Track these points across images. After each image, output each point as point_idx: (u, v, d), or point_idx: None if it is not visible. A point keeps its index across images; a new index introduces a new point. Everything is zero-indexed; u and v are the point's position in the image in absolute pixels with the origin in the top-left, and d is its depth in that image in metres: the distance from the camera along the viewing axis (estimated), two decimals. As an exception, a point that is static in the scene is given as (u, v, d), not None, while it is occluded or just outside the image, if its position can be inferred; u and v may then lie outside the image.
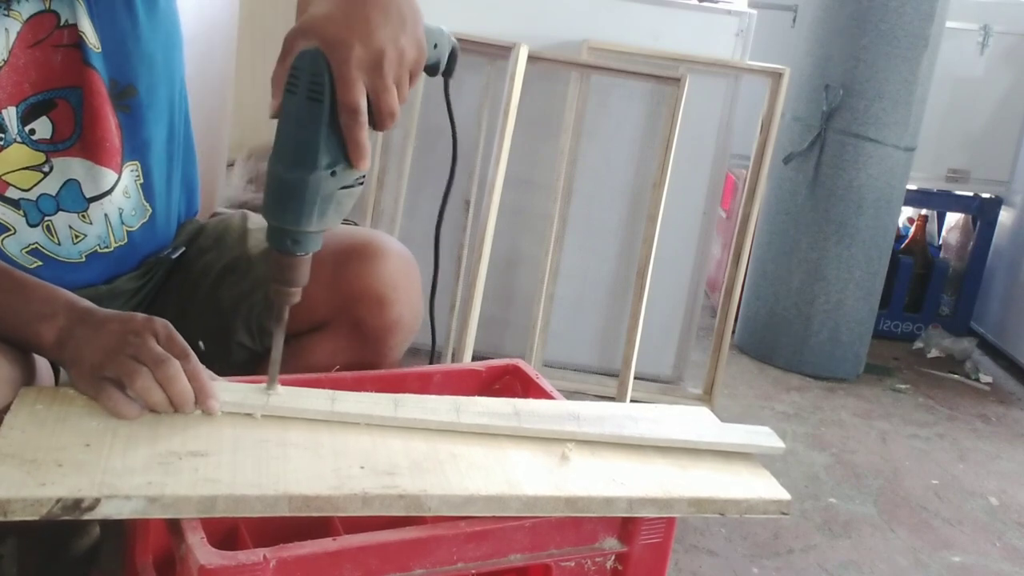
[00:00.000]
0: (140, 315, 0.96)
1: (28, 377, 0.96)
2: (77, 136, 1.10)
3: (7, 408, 0.90)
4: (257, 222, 1.29)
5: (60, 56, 1.06)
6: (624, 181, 2.23)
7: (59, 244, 1.12)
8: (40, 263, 1.11)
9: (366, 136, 0.88)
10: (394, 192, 2.16)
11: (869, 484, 2.01)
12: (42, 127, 1.07)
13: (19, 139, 1.06)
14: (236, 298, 1.21)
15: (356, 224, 1.29)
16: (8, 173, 1.06)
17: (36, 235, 1.10)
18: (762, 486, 0.99)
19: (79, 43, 1.07)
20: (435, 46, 1.03)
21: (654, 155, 2.15)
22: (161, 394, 0.91)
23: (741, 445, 1.05)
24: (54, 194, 1.10)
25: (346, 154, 0.89)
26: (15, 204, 1.08)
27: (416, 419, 0.99)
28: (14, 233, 1.09)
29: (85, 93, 1.08)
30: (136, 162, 1.15)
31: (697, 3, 2.22)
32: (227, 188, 2.33)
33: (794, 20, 2.72)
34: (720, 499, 0.95)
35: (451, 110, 1.17)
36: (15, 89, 1.05)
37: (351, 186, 0.92)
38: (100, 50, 1.08)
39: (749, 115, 2.25)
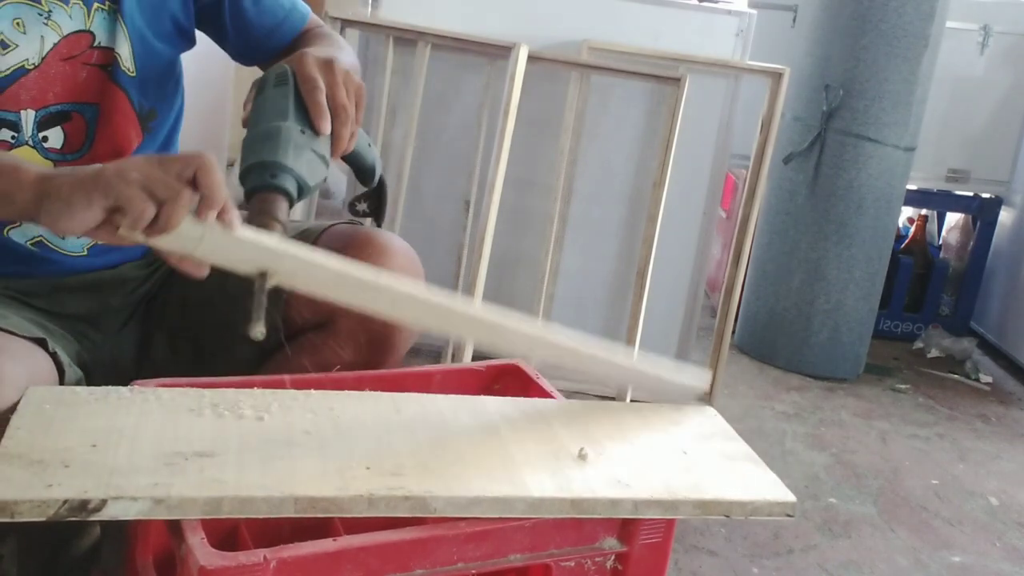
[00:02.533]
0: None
1: (31, 377, 0.96)
2: (87, 149, 1.13)
3: (12, 408, 0.90)
4: None
5: (85, 73, 1.11)
6: (624, 181, 2.24)
7: (63, 238, 1.13)
8: (45, 253, 1.14)
9: (324, 100, 0.99)
10: (394, 192, 2.16)
11: (869, 484, 2.01)
12: (55, 136, 1.11)
13: (31, 143, 1.09)
14: (242, 291, 1.22)
15: (360, 224, 1.30)
16: None
17: (40, 228, 1.11)
18: (767, 488, 0.99)
19: (110, 64, 1.12)
20: (368, 145, 1.14)
21: (654, 155, 2.15)
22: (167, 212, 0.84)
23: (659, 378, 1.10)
24: None
25: (311, 122, 0.98)
26: None
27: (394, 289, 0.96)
28: (19, 225, 1.11)
29: (103, 110, 1.12)
30: None
31: (697, 3, 2.22)
32: (227, 188, 2.33)
33: (794, 20, 2.72)
34: (725, 501, 0.95)
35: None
36: (39, 94, 1.08)
37: (319, 155, 0.98)
38: (135, 75, 1.14)
39: (749, 115, 2.25)
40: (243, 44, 1.24)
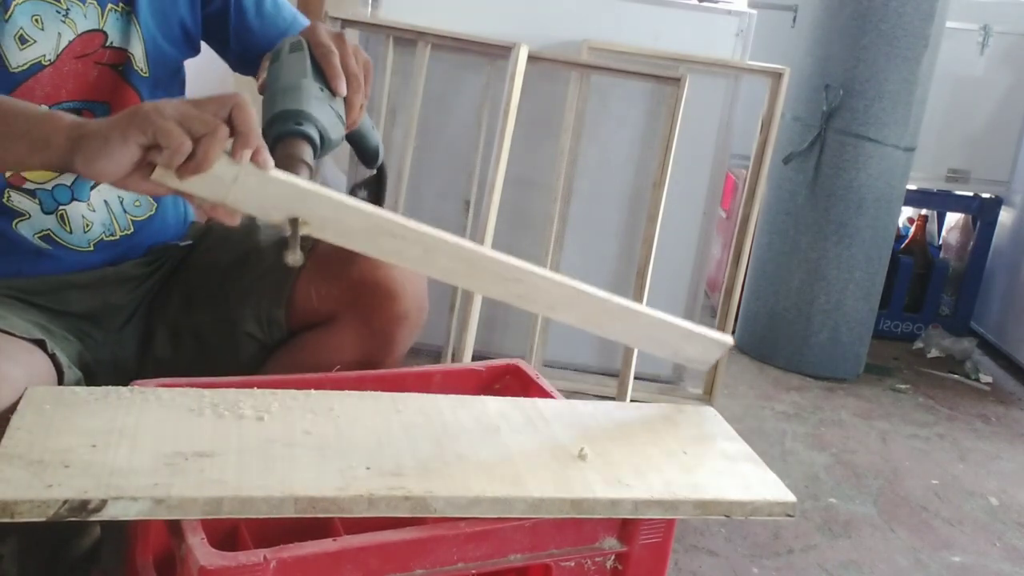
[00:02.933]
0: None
1: (30, 378, 0.96)
2: None
3: (10, 409, 0.90)
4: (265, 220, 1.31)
5: (97, 72, 1.12)
6: (624, 181, 2.24)
7: (71, 232, 1.15)
8: (51, 248, 1.14)
9: (338, 63, 1.01)
10: (394, 192, 2.16)
11: (869, 484, 2.01)
12: None
13: None
14: (246, 288, 1.24)
15: None
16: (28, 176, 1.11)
17: (49, 222, 1.13)
18: (767, 488, 0.99)
19: (123, 64, 1.14)
20: (372, 127, 1.16)
21: (654, 155, 2.15)
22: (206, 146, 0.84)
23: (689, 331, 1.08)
24: (69, 184, 1.14)
25: (327, 84, 1.00)
26: (31, 193, 1.12)
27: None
28: (28, 218, 1.13)
29: (115, 109, 1.13)
30: None
31: (697, 3, 2.22)
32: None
33: (794, 20, 2.72)
34: (725, 501, 0.95)
35: None
36: (53, 91, 1.10)
37: (337, 113, 1.00)
38: (147, 76, 1.16)
39: (749, 115, 2.25)
40: (244, 53, 1.25)
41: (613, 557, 0.97)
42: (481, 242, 1.99)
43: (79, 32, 1.10)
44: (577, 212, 2.22)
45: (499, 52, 2.07)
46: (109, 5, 1.12)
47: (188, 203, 1.31)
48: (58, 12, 1.08)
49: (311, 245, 1.24)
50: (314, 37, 1.03)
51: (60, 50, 1.09)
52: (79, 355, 1.14)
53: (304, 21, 1.28)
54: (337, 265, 1.20)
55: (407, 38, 2.09)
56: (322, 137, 0.96)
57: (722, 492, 0.96)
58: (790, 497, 0.98)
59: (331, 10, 2.12)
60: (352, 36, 2.14)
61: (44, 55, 1.08)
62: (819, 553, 1.72)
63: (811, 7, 2.53)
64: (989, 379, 2.71)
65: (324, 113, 0.97)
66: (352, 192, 1.22)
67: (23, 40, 1.06)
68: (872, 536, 1.80)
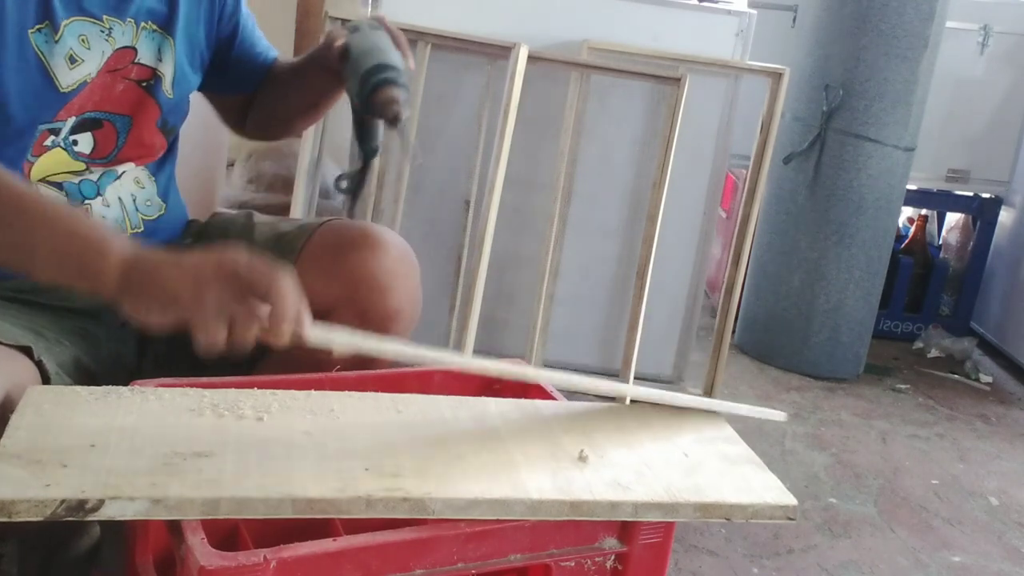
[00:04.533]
0: (224, 256, 0.93)
1: (12, 386, 0.95)
2: (114, 156, 1.17)
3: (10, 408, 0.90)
4: (262, 219, 1.32)
5: (122, 86, 1.15)
6: (624, 181, 2.23)
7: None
8: None
9: (406, 43, 1.18)
10: (394, 192, 2.16)
11: (869, 484, 2.01)
12: (84, 142, 1.14)
13: (62, 145, 1.13)
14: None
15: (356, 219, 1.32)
16: (53, 175, 1.13)
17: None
18: (768, 491, 0.98)
19: (148, 81, 1.17)
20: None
21: (654, 155, 2.15)
22: (252, 340, 0.90)
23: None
24: (95, 180, 1.17)
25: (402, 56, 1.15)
26: (58, 186, 1.14)
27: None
28: None
29: (136, 123, 1.17)
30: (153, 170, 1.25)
31: (697, 3, 2.22)
32: (227, 188, 2.33)
33: (794, 20, 2.72)
34: (725, 504, 0.95)
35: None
36: (82, 103, 1.12)
37: (405, 86, 1.12)
38: (172, 97, 1.20)
39: (749, 115, 2.25)
40: (228, 75, 1.32)
41: (613, 557, 0.97)
42: (481, 242, 1.99)
43: (115, 48, 1.13)
44: (577, 212, 2.22)
45: (499, 52, 2.07)
46: (143, 23, 1.15)
47: (183, 207, 1.34)
48: (102, 32, 1.11)
49: (303, 242, 1.24)
50: (384, 22, 1.20)
51: (100, 67, 1.12)
52: (76, 360, 1.13)
53: (274, 52, 1.37)
54: (331, 261, 1.21)
55: (407, 38, 2.09)
56: (406, 91, 1.10)
57: (723, 495, 0.96)
58: (791, 500, 0.97)
59: (331, 10, 2.12)
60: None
61: (90, 73, 1.11)
62: (819, 553, 1.72)
63: (811, 7, 2.53)
64: (989, 379, 2.71)
65: (406, 76, 1.12)
66: (336, 180, 1.23)
67: (72, 60, 1.08)
68: (872, 536, 1.80)
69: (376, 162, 1.29)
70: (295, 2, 2.72)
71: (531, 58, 2.04)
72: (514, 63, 2.01)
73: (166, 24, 1.18)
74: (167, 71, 1.19)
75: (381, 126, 1.20)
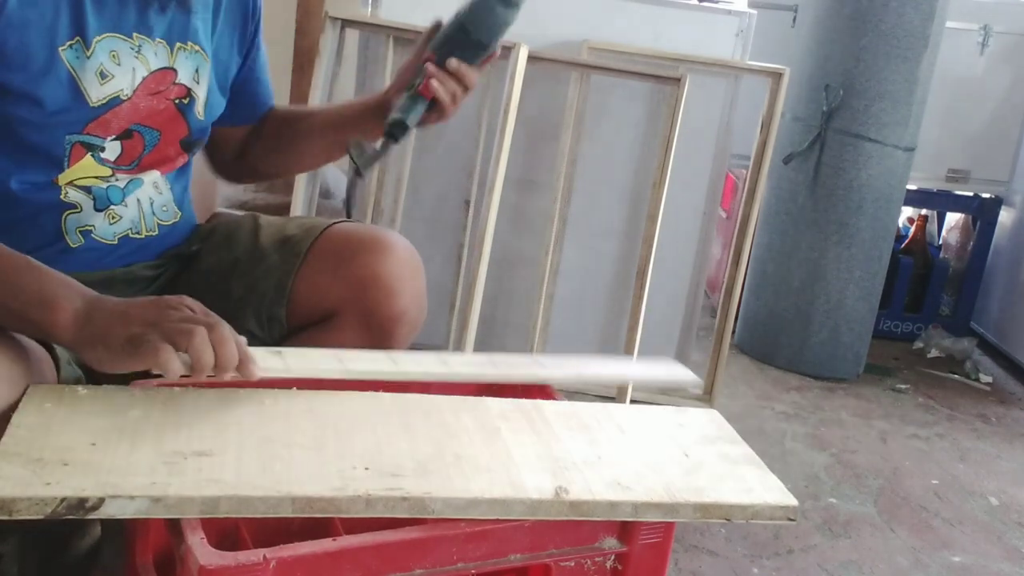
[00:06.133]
0: (163, 296, 0.97)
1: (30, 375, 0.96)
2: (136, 164, 1.18)
3: (11, 407, 0.90)
4: (268, 220, 1.33)
5: (164, 106, 1.17)
6: (624, 181, 2.23)
7: (108, 225, 1.18)
8: (83, 243, 1.17)
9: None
10: (394, 192, 2.16)
11: (869, 484, 2.01)
12: (112, 149, 1.15)
13: (91, 156, 1.14)
14: (247, 287, 1.25)
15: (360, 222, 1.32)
16: (80, 179, 1.14)
17: (97, 219, 1.16)
18: (769, 492, 0.98)
19: (183, 100, 1.19)
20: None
21: (654, 155, 2.15)
22: (211, 354, 0.91)
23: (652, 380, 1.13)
24: (122, 187, 1.18)
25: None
26: (86, 190, 1.15)
27: (410, 372, 1.03)
28: (79, 211, 1.15)
29: (164, 137, 1.19)
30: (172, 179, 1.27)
31: (697, 3, 2.22)
32: (227, 188, 2.33)
33: (794, 20, 2.72)
34: (726, 504, 0.95)
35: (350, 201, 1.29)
36: (123, 124, 1.14)
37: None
38: (203, 119, 1.23)
39: (749, 115, 2.25)
40: (243, 101, 1.33)
41: (613, 557, 0.97)
42: (481, 242, 1.99)
43: (152, 69, 1.14)
44: (577, 212, 2.22)
45: (499, 52, 2.07)
46: (178, 44, 1.16)
47: (193, 215, 1.35)
48: (131, 49, 1.12)
49: (309, 245, 1.25)
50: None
51: (136, 85, 1.13)
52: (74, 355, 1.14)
53: (271, 91, 1.39)
54: (336, 263, 1.21)
55: (407, 38, 2.09)
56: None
57: (723, 495, 0.96)
58: (792, 501, 0.97)
59: (331, 10, 2.12)
60: (352, 37, 2.15)
61: (122, 89, 1.11)
62: (819, 553, 1.72)
63: (811, 7, 2.53)
64: (989, 379, 2.71)
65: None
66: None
67: (103, 75, 1.09)
68: (872, 536, 1.80)
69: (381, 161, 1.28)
70: (295, 2, 2.72)
71: (531, 58, 2.04)
72: (514, 63, 2.01)
73: (205, 45, 1.20)
74: (201, 93, 1.21)
75: (379, 143, 1.20)
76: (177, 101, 1.19)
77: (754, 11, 2.22)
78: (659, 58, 2.15)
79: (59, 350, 1.04)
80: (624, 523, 0.95)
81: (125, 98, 1.12)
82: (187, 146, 1.24)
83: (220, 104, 1.26)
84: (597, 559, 0.96)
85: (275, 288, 1.24)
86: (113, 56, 1.10)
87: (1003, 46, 2.79)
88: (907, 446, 2.22)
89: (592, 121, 2.19)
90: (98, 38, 1.08)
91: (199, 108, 1.22)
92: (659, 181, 2.11)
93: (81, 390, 0.96)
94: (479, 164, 2.14)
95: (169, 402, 0.97)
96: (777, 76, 2.20)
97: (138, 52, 1.12)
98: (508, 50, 2.04)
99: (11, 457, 0.81)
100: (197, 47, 1.19)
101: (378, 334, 1.21)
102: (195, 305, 0.97)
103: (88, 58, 1.08)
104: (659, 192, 2.10)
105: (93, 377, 1.13)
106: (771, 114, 2.21)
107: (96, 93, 1.09)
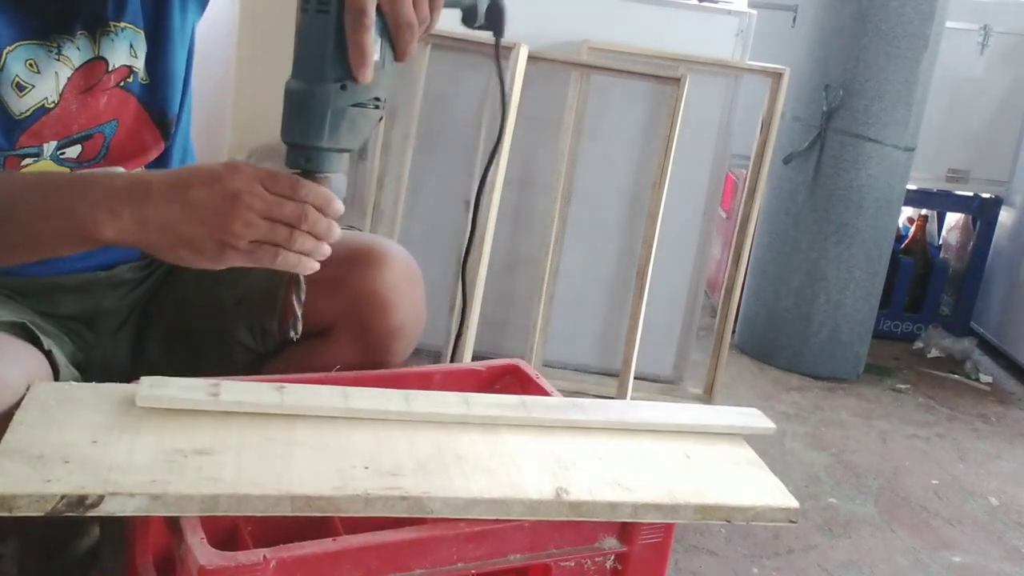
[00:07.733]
0: (218, 166, 0.91)
1: (28, 378, 0.95)
2: (102, 157, 1.14)
3: (10, 409, 0.90)
4: None
5: (106, 97, 1.11)
6: (624, 181, 2.24)
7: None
8: None
9: (369, 41, 0.86)
10: (394, 193, 2.16)
11: (869, 484, 2.01)
12: (72, 150, 1.11)
13: (49, 158, 1.10)
14: (237, 297, 1.22)
15: (359, 230, 1.29)
16: None
17: None
18: (770, 493, 0.98)
19: (127, 80, 1.12)
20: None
21: (654, 155, 2.15)
22: (313, 244, 0.92)
23: (733, 427, 1.09)
24: None
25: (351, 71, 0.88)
26: None
27: (428, 412, 1.00)
28: None
29: (121, 122, 1.13)
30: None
31: (697, 3, 2.22)
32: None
33: (794, 20, 2.72)
34: (726, 506, 0.94)
35: (501, 70, 1.17)
36: (62, 129, 1.08)
37: (365, 105, 0.90)
38: (148, 82, 1.14)
39: (749, 115, 2.25)
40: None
41: (613, 557, 0.96)
42: (481, 242, 1.99)
43: (76, 66, 1.08)
44: (577, 212, 2.22)
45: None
46: (99, 29, 1.09)
47: None
48: (50, 52, 1.05)
49: None
50: None
51: (61, 89, 1.07)
52: (72, 355, 1.14)
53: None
54: (333, 276, 1.18)
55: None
56: (342, 152, 0.93)
57: (723, 497, 0.95)
58: (793, 503, 0.97)
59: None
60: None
61: (46, 97, 1.06)
62: (819, 553, 1.72)
63: (811, 7, 2.53)
64: (989, 379, 2.71)
65: (341, 128, 0.92)
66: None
67: (20, 87, 1.04)
68: (872, 536, 1.80)
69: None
70: (295, 2, 2.71)
71: (531, 58, 2.04)
72: (514, 63, 2.01)
73: (135, 17, 1.12)
74: (138, 62, 1.13)
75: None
76: (123, 84, 1.12)
77: (754, 11, 2.22)
78: (659, 58, 2.15)
79: (57, 353, 1.04)
80: (624, 523, 0.95)
81: (52, 105, 1.06)
82: (161, 126, 1.17)
83: (164, 52, 1.15)
84: (597, 559, 0.96)
85: (266, 299, 1.20)
86: (30, 65, 1.04)
87: (1003, 46, 2.79)
88: (907, 446, 2.22)
89: (592, 121, 2.19)
90: (8, 49, 1.02)
91: (140, 75, 1.13)
92: (659, 181, 2.11)
93: (82, 388, 0.96)
94: (479, 164, 2.14)
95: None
96: (777, 76, 2.20)
97: (58, 54, 1.06)
98: (508, 50, 2.04)
99: (12, 454, 0.81)
100: (124, 23, 1.10)
101: (375, 348, 1.19)
102: (263, 175, 0.90)
103: (0, 71, 1.02)
104: (659, 192, 2.10)
105: (85, 380, 1.13)
106: (771, 114, 2.21)
107: (17, 106, 1.04)
